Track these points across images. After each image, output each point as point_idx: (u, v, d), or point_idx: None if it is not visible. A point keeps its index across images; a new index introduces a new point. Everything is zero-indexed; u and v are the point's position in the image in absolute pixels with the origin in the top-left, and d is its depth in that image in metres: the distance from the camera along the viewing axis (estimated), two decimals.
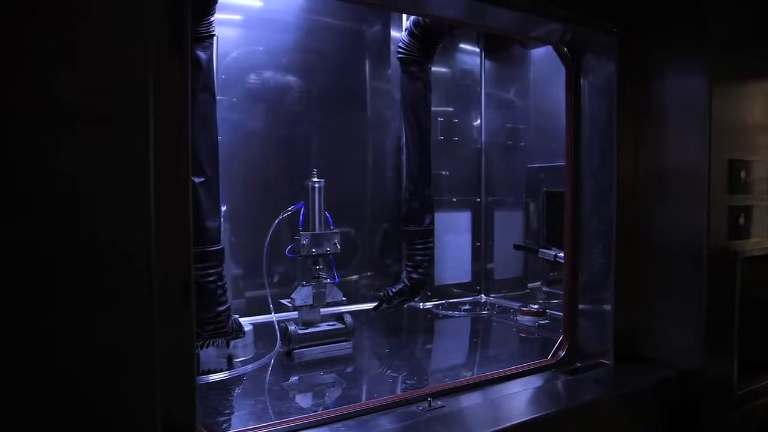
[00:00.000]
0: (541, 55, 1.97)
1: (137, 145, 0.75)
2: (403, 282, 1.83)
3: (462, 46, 2.19)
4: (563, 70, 1.44)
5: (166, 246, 0.79)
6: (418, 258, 1.83)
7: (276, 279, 1.75)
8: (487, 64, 2.22)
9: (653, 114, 1.38)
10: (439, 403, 1.12)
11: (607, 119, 1.38)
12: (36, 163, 0.70)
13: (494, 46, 2.19)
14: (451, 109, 2.15)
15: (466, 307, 2.07)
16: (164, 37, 0.80)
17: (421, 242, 1.83)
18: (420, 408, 1.10)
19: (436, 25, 1.69)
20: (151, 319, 0.77)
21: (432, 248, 1.86)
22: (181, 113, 0.81)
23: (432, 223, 1.86)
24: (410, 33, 1.75)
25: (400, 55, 1.80)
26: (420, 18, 1.70)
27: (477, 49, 2.22)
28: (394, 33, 1.99)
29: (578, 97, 1.43)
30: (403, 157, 1.91)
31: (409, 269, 1.83)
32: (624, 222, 1.36)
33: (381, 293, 1.83)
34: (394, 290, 1.81)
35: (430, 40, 1.76)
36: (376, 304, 1.83)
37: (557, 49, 1.43)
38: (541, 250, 1.86)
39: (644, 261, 1.38)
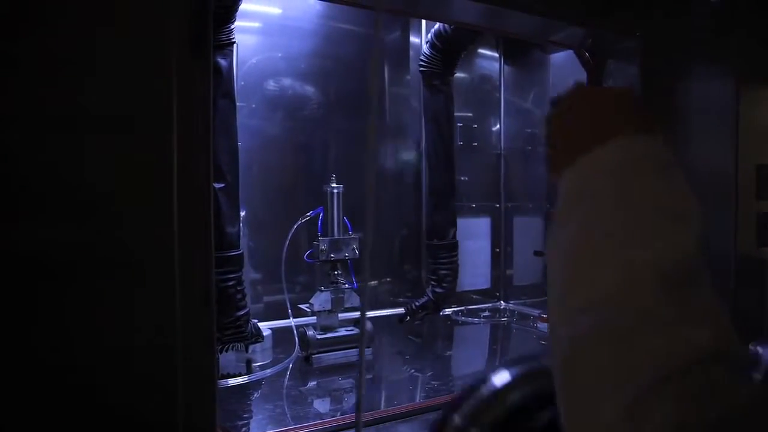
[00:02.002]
0: (562, 59, 1.95)
1: (161, 152, 0.76)
2: (428, 296, 1.83)
3: (481, 51, 2.18)
4: (584, 74, 1.43)
5: (188, 251, 0.80)
6: (443, 272, 1.82)
7: (298, 288, 1.76)
8: (507, 69, 2.20)
9: (677, 119, 1.36)
10: None
11: None
12: (59, 169, 0.71)
13: (513, 50, 2.18)
14: (470, 114, 2.14)
15: (486, 313, 2.06)
16: (186, 45, 0.81)
17: (445, 256, 1.83)
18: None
19: (457, 35, 1.68)
20: (173, 323, 0.77)
21: (456, 262, 1.86)
22: (202, 120, 0.82)
23: (455, 236, 1.85)
24: (432, 45, 1.75)
25: (422, 68, 1.80)
26: (441, 28, 1.69)
27: (496, 54, 2.21)
28: (413, 39, 1.99)
29: None
30: (424, 170, 1.91)
31: (434, 283, 1.83)
32: None
33: (405, 307, 1.84)
34: (417, 304, 1.82)
35: (451, 51, 1.75)
36: (400, 316, 1.83)
37: (578, 54, 1.42)
38: None
39: None
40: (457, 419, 0.68)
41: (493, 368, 0.72)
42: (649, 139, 0.44)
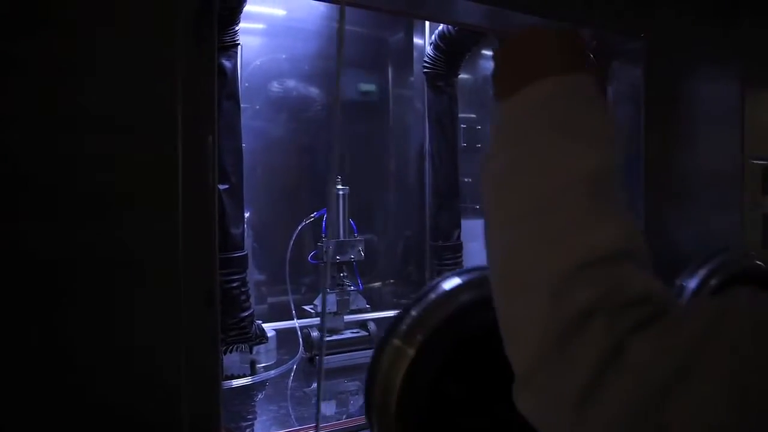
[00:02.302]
0: None
1: (165, 153, 0.76)
2: None
3: (485, 52, 2.18)
4: None
5: (192, 252, 0.80)
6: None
7: (303, 289, 1.76)
8: None
9: (682, 120, 1.36)
10: None
11: (634, 126, 1.36)
12: (63, 169, 0.71)
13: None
14: (473, 115, 2.13)
15: None
16: (192, 47, 0.81)
17: (450, 258, 1.82)
18: None
19: (461, 37, 1.68)
20: (177, 324, 0.78)
21: (461, 263, 1.85)
22: (207, 122, 0.82)
23: (460, 238, 1.85)
24: (435, 46, 1.74)
25: (425, 70, 1.79)
26: (445, 30, 1.69)
27: None
28: (417, 40, 1.99)
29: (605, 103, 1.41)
30: (427, 172, 1.91)
31: None
32: (653, 230, 1.34)
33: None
34: None
35: (455, 53, 1.75)
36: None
37: None
38: None
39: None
40: (404, 325, 0.76)
41: (444, 277, 0.80)
42: (581, 76, 0.49)
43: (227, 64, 1.26)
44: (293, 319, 1.49)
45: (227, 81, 1.26)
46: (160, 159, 0.76)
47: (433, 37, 1.78)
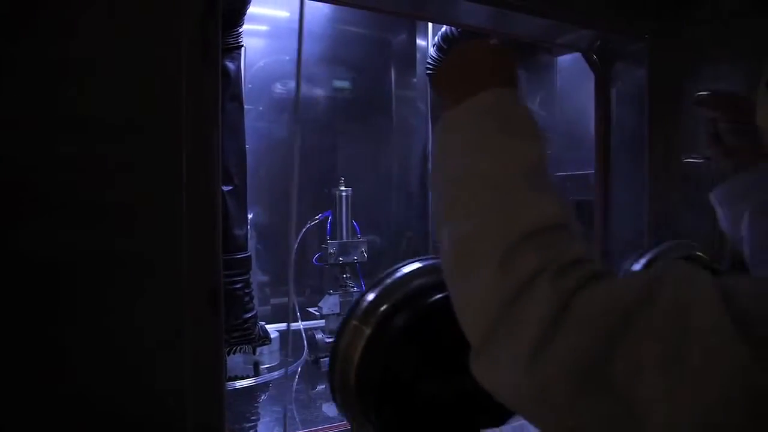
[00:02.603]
0: (568, 61, 1.95)
1: (169, 155, 0.76)
2: None
3: None
4: (591, 76, 1.42)
5: (195, 254, 0.80)
6: None
7: (307, 291, 1.76)
8: None
9: (686, 120, 1.35)
10: None
11: (637, 126, 1.36)
12: (68, 172, 0.71)
13: (520, 53, 2.17)
14: None
15: None
16: (195, 49, 0.81)
17: None
18: None
19: (464, 38, 1.68)
20: (181, 325, 0.78)
21: None
22: (211, 123, 0.82)
23: None
24: (439, 48, 1.75)
25: (429, 71, 1.79)
26: (448, 31, 1.69)
27: None
28: (420, 42, 1.99)
29: (608, 105, 1.41)
30: (431, 172, 1.90)
31: None
32: (657, 232, 1.33)
33: None
34: None
35: None
36: None
37: (586, 56, 1.42)
38: None
39: None
40: (362, 306, 0.83)
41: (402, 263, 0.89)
42: (514, 89, 0.57)
43: (231, 65, 1.26)
44: (297, 321, 1.49)
45: (231, 82, 1.26)
46: (163, 160, 0.76)
47: (436, 38, 1.78)
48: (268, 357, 1.47)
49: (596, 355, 0.39)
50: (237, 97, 1.29)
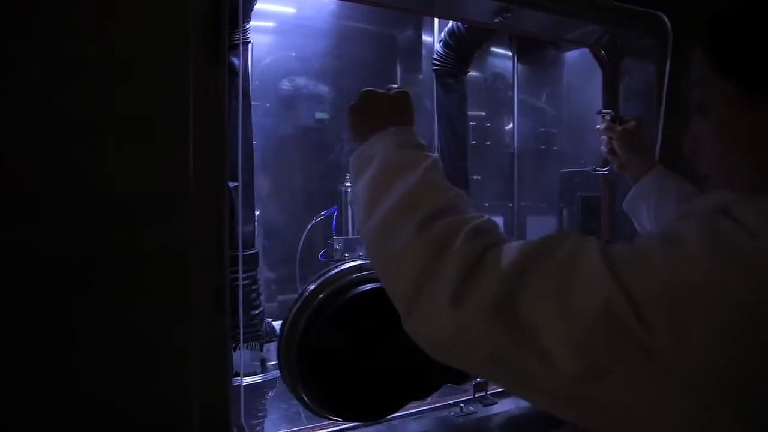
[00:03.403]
0: (576, 57, 1.94)
1: (177, 152, 0.76)
2: None
3: (494, 49, 2.17)
4: (599, 72, 1.42)
5: (202, 250, 0.80)
6: None
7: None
8: (520, 67, 2.19)
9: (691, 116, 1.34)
10: (471, 408, 1.11)
11: (646, 122, 1.35)
12: (77, 170, 0.72)
13: (527, 49, 2.16)
14: (483, 113, 2.12)
15: None
16: (203, 47, 0.81)
17: None
18: (452, 413, 1.09)
19: (471, 34, 1.67)
20: (188, 322, 0.78)
21: None
22: (218, 120, 0.82)
23: None
24: (445, 44, 1.73)
25: (435, 67, 1.78)
26: (455, 27, 1.68)
27: (509, 53, 2.19)
28: (426, 38, 1.98)
29: (616, 100, 1.40)
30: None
31: None
32: None
33: None
34: None
35: (465, 50, 1.73)
36: None
37: (594, 52, 1.41)
38: None
39: None
40: (305, 294, 1.03)
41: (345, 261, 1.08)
42: (410, 127, 0.75)
43: (238, 62, 1.26)
44: None
45: (238, 79, 1.26)
46: (171, 157, 0.77)
47: (442, 34, 1.77)
48: (275, 354, 1.47)
49: (504, 292, 0.49)
50: (244, 94, 1.29)
